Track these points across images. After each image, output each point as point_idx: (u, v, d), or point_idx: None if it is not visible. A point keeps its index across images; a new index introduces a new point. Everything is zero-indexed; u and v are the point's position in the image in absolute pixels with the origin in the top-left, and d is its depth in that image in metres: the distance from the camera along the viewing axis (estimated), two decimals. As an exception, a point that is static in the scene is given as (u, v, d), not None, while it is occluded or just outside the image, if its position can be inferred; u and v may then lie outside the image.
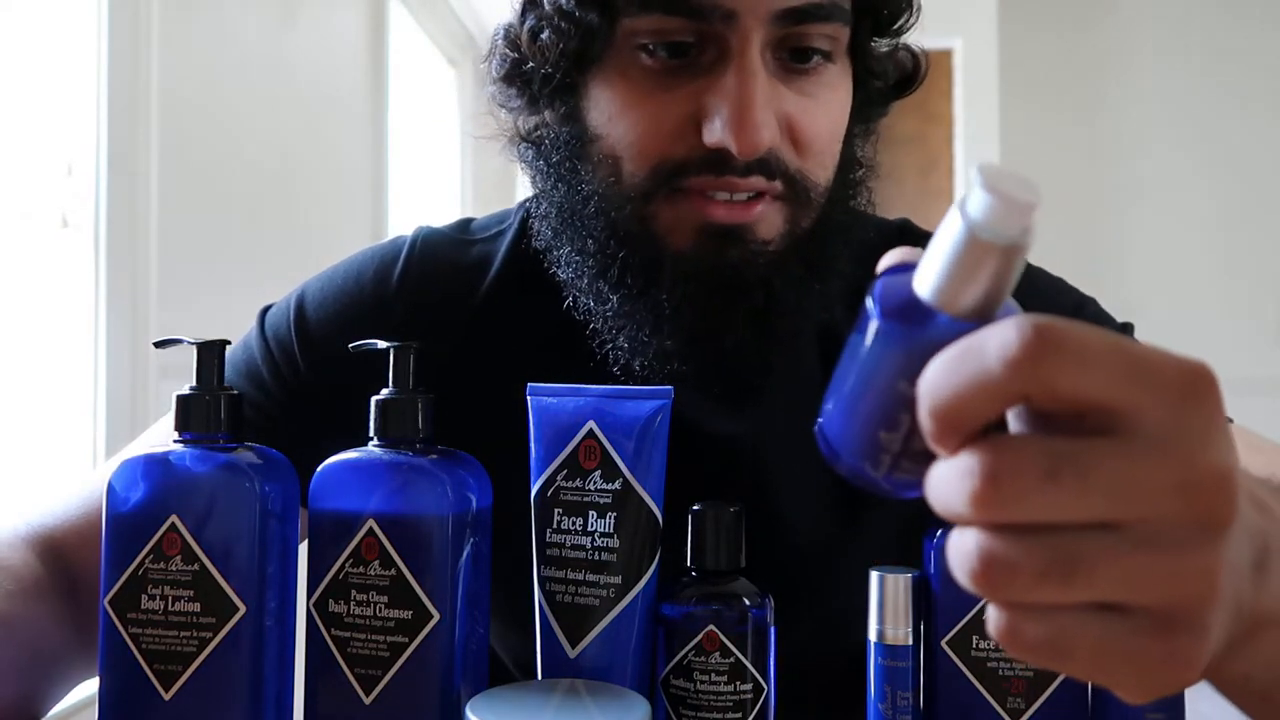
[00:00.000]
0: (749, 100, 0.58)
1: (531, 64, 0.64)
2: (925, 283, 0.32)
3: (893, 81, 0.69)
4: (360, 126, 2.40)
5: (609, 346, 0.65)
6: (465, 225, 0.78)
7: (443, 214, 3.01)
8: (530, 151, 0.68)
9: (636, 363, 0.64)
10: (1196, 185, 3.30)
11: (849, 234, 0.66)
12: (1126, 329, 0.73)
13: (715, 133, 0.59)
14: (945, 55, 3.46)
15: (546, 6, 0.63)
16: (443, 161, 3.12)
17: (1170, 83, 3.34)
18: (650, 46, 0.60)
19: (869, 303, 0.33)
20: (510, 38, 0.66)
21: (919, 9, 0.67)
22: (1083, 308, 0.73)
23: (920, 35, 0.70)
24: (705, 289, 0.61)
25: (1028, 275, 0.74)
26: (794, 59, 0.61)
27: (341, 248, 0.88)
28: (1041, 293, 0.73)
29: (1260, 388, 3.02)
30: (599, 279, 0.64)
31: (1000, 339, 0.29)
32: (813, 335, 0.71)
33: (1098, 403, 0.29)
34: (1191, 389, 0.30)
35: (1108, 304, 0.74)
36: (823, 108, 0.63)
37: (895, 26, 0.66)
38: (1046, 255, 0.79)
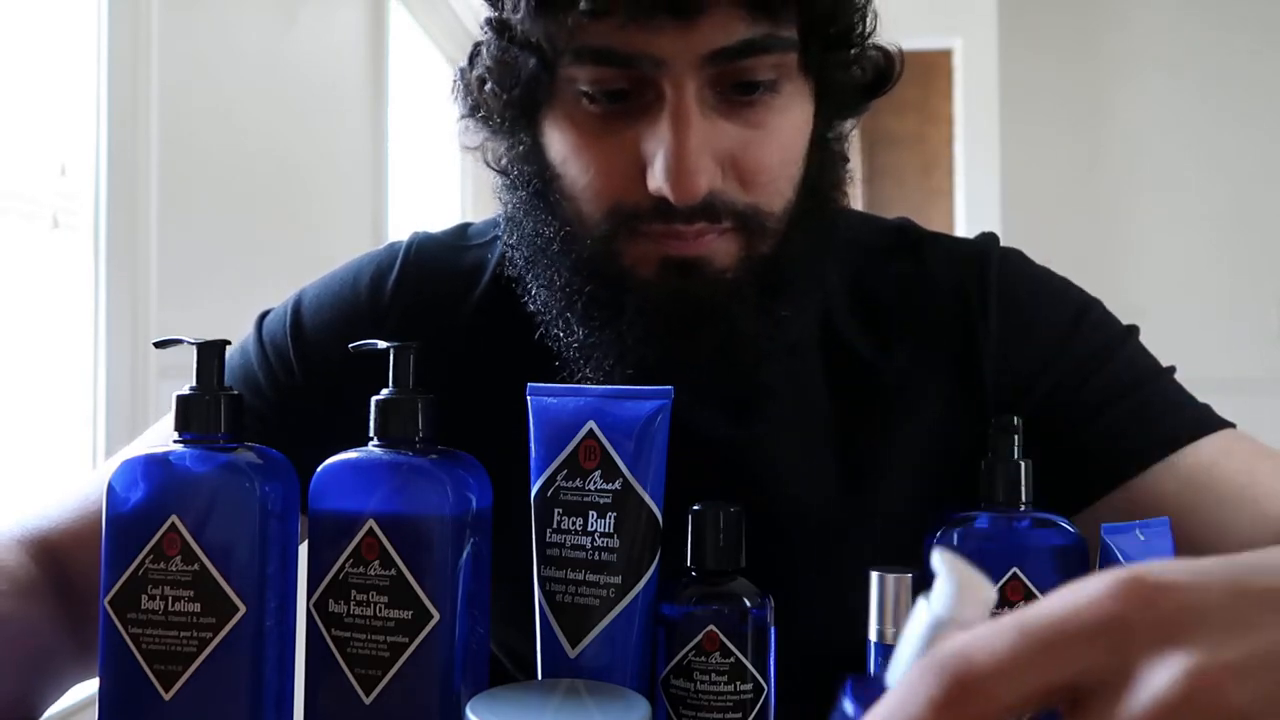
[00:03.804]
0: (682, 150, 0.58)
1: (482, 113, 0.66)
2: (898, 675, 0.33)
3: (866, 82, 0.68)
4: (360, 126, 2.40)
5: (578, 377, 0.65)
6: (462, 231, 0.78)
7: (443, 213, 3.01)
8: (501, 181, 0.69)
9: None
10: (1197, 183, 3.30)
11: (815, 252, 0.66)
12: (1131, 332, 0.72)
13: (655, 179, 0.59)
14: (945, 55, 3.45)
15: (487, 58, 0.64)
16: (443, 161, 3.12)
17: (1170, 82, 3.34)
18: (590, 93, 0.60)
19: (846, 704, 0.34)
20: (466, 81, 0.67)
21: (875, 16, 0.66)
22: (1086, 311, 0.72)
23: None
24: (665, 320, 0.62)
25: (1035, 276, 0.74)
26: (737, 91, 0.60)
27: (341, 248, 0.88)
28: (1048, 296, 0.73)
29: (1260, 388, 3.02)
30: (566, 312, 0.64)
31: (921, 695, 0.29)
32: (814, 342, 0.71)
33: (1042, 692, 0.29)
34: (1111, 625, 0.29)
35: (1110, 303, 0.74)
36: (771, 136, 0.62)
37: (849, 39, 0.65)
38: (1048, 254, 0.79)
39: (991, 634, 0.29)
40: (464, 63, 0.68)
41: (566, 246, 0.64)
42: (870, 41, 0.66)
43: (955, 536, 0.57)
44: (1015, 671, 0.29)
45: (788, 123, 0.63)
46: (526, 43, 0.61)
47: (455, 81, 0.69)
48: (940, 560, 0.32)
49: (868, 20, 0.65)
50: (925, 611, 0.33)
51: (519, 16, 0.59)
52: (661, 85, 0.59)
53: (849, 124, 0.70)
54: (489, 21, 0.63)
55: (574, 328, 0.64)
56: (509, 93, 0.63)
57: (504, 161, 0.68)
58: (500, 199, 0.69)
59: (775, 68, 0.60)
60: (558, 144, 0.63)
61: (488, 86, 0.64)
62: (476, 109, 0.67)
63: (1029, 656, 0.29)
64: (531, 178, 0.65)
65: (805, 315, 0.69)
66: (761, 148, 0.61)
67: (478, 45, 0.66)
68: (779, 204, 0.63)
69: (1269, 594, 0.30)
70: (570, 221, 0.63)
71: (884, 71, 0.68)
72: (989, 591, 0.32)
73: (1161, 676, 0.28)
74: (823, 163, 0.67)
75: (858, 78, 0.67)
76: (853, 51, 0.65)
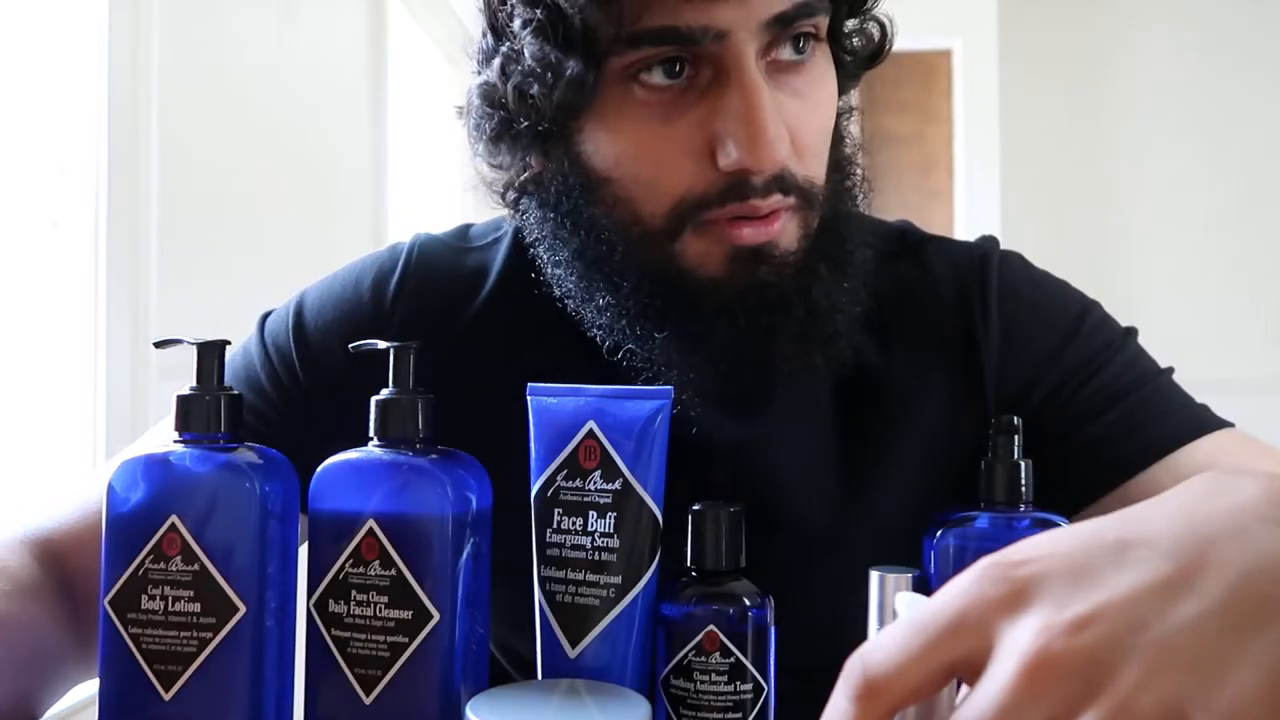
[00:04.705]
0: (760, 118, 0.57)
1: (525, 123, 0.62)
2: None
3: (869, 52, 0.68)
4: (360, 126, 2.40)
5: (659, 382, 0.63)
6: (464, 232, 0.78)
7: (443, 213, 3.01)
8: (529, 202, 0.67)
9: (685, 395, 0.63)
10: (1196, 185, 3.30)
11: (852, 222, 0.66)
12: (1130, 333, 0.72)
13: (730, 155, 0.58)
14: (945, 55, 3.45)
15: (529, 61, 0.61)
16: (443, 161, 3.12)
17: (1170, 83, 3.34)
18: (643, 77, 0.59)
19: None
20: (493, 98, 0.64)
21: None
22: (1086, 313, 0.72)
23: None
24: (748, 313, 0.61)
25: (1035, 279, 0.74)
26: (783, 60, 0.61)
27: (341, 248, 0.88)
28: (1048, 299, 0.73)
29: (1260, 388, 3.02)
30: (640, 319, 0.63)
31: (840, 703, 0.34)
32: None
33: (935, 675, 0.33)
34: (976, 606, 0.33)
35: (1109, 303, 0.74)
36: (815, 107, 0.62)
37: (863, 5, 0.65)
38: (1048, 255, 0.79)
39: (886, 636, 0.34)
40: (490, 76, 0.64)
41: (630, 250, 0.62)
42: (872, 14, 0.67)
43: (955, 536, 0.57)
44: (907, 663, 0.33)
45: (825, 93, 0.63)
46: (572, 41, 0.59)
47: (471, 102, 0.66)
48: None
49: None
50: None
51: (575, 8, 0.57)
52: (722, 59, 0.58)
53: (852, 104, 0.70)
54: (525, 23, 0.60)
55: (652, 335, 0.63)
56: (555, 94, 0.60)
57: (538, 179, 0.66)
58: (528, 220, 0.67)
59: (813, 34, 0.61)
60: (607, 145, 0.61)
61: (532, 92, 0.61)
62: (509, 125, 0.63)
63: (916, 647, 0.33)
64: (576, 187, 0.63)
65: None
66: (811, 117, 0.62)
67: (507, 58, 0.62)
68: (822, 173, 0.63)
69: (1117, 544, 0.34)
70: (629, 224, 0.62)
71: (880, 42, 0.69)
72: None
73: (1015, 638, 0.32)
74: (840, 135, 0.67)
75: (863, 47, 0.68)
76: (860, 21, 0.66)
